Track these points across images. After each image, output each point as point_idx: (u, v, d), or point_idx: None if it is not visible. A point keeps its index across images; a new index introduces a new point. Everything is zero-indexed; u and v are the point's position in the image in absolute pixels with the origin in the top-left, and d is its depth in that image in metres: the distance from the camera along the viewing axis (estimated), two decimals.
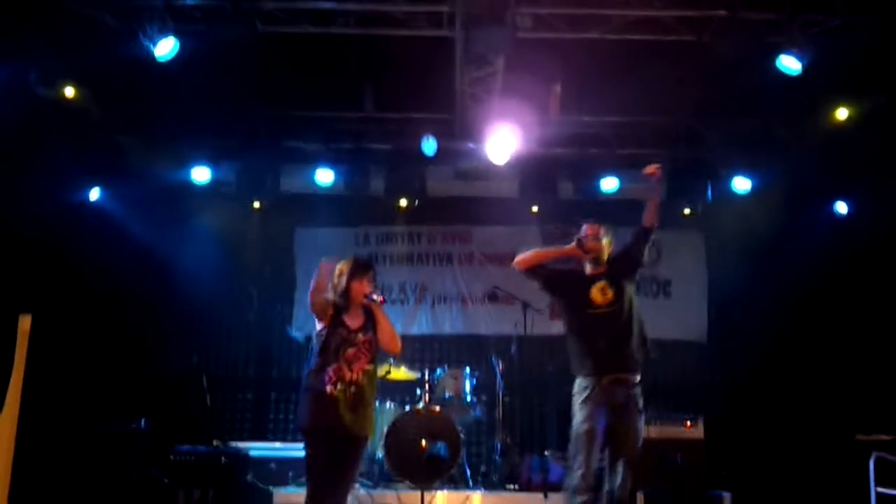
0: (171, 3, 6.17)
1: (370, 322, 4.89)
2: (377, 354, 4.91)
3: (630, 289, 5.08)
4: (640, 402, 4.95)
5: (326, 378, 4.72)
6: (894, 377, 7.89)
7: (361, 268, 4.95)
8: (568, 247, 5.11)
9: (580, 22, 6.51)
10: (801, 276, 8.56)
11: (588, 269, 5.16)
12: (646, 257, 5.22)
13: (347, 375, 4.73)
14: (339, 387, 4.70)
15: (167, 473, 6.59)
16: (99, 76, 7.04)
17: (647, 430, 6.98)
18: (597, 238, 5.09)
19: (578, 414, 4.86)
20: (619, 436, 4.79)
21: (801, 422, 7.96)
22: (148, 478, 6.65)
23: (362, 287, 4.88)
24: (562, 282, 5.21)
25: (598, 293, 5.00)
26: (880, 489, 5.95)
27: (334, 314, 4.87)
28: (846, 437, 7.07)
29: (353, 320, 4.87)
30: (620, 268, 5.13)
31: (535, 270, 5.21)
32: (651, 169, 5.19)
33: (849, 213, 8.73)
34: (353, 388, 4.70)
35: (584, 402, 4.84)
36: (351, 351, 4.78)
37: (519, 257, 5.25)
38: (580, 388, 4.92)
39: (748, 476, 7.24)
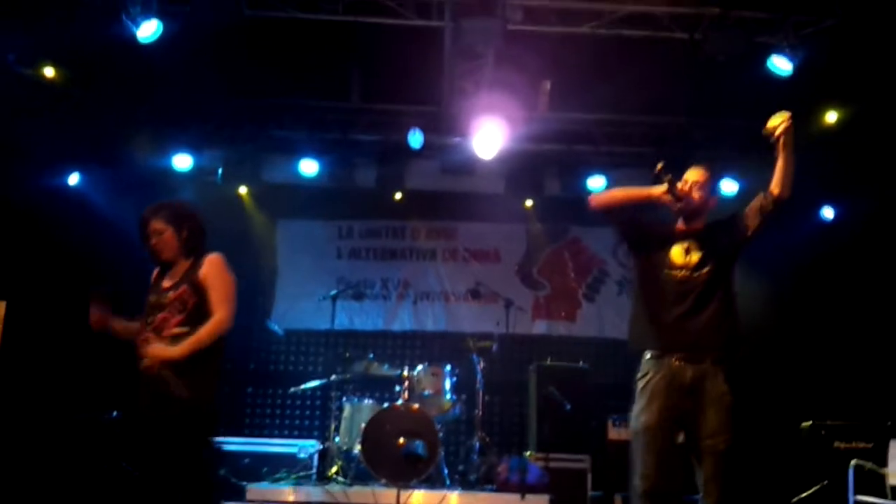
0: None
1: (191, 270, 3.85)
2: (198, 311, 3.81)
3: (724, 260, 4.07)
4: (722, 385, 3.91)
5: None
6: (855, 373, 7.88)
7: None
8: (656, 188, 4.05)
9: (571, 16, 6.47)
10: (783, 282, 8.50)
11: (680, 223, 4.17)
12: (755, 231, 4.04)
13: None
14: (145, 363, 3.74)
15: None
16: (80, 57, 6.88)
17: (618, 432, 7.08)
18: (698, 188, 4.07)
19: (636, 404, 4.01)
20: (692, 423, 3.89)
21: (763, 422, 7.89)
22: (119, 469, 6.52)
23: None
24: (645, 232, 4.19)
25: (680, 252, 4.06)
26: (860, 497, 5.90)
27: (158, 274, 3.98)
28: (821, 441, 7.00)
29: (174, 275, 3.90)
30: (719, 232, 4.12)
31: (612, 212, 4.17)
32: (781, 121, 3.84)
33: (834, 218, 8.66)
34: (158, 362, 3.72)
35: (643, 389, 3.98)
36: (160, 315, 3.81)
37: (596, 195, 4.25)
38: (642, 370, 4.05)
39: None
